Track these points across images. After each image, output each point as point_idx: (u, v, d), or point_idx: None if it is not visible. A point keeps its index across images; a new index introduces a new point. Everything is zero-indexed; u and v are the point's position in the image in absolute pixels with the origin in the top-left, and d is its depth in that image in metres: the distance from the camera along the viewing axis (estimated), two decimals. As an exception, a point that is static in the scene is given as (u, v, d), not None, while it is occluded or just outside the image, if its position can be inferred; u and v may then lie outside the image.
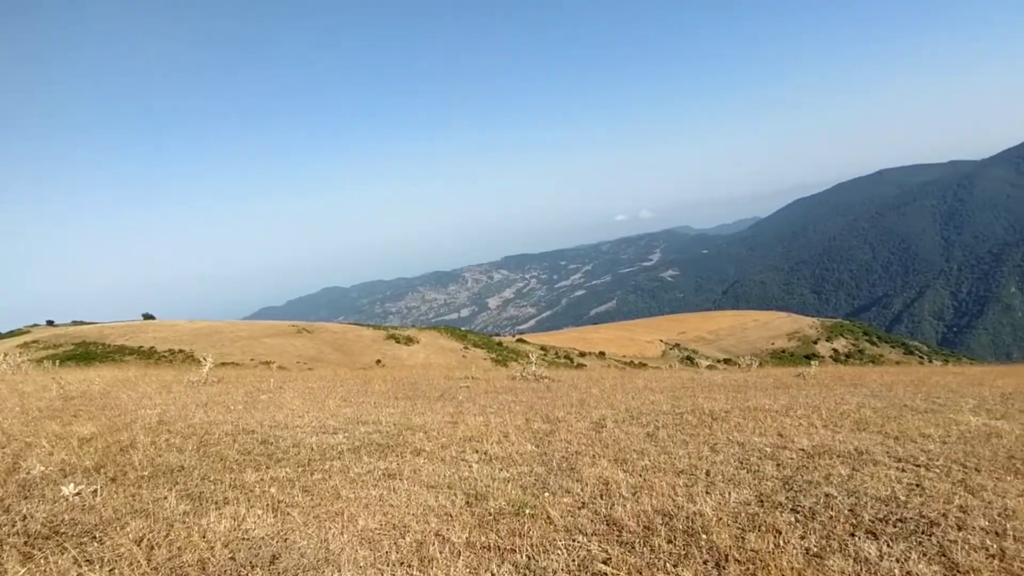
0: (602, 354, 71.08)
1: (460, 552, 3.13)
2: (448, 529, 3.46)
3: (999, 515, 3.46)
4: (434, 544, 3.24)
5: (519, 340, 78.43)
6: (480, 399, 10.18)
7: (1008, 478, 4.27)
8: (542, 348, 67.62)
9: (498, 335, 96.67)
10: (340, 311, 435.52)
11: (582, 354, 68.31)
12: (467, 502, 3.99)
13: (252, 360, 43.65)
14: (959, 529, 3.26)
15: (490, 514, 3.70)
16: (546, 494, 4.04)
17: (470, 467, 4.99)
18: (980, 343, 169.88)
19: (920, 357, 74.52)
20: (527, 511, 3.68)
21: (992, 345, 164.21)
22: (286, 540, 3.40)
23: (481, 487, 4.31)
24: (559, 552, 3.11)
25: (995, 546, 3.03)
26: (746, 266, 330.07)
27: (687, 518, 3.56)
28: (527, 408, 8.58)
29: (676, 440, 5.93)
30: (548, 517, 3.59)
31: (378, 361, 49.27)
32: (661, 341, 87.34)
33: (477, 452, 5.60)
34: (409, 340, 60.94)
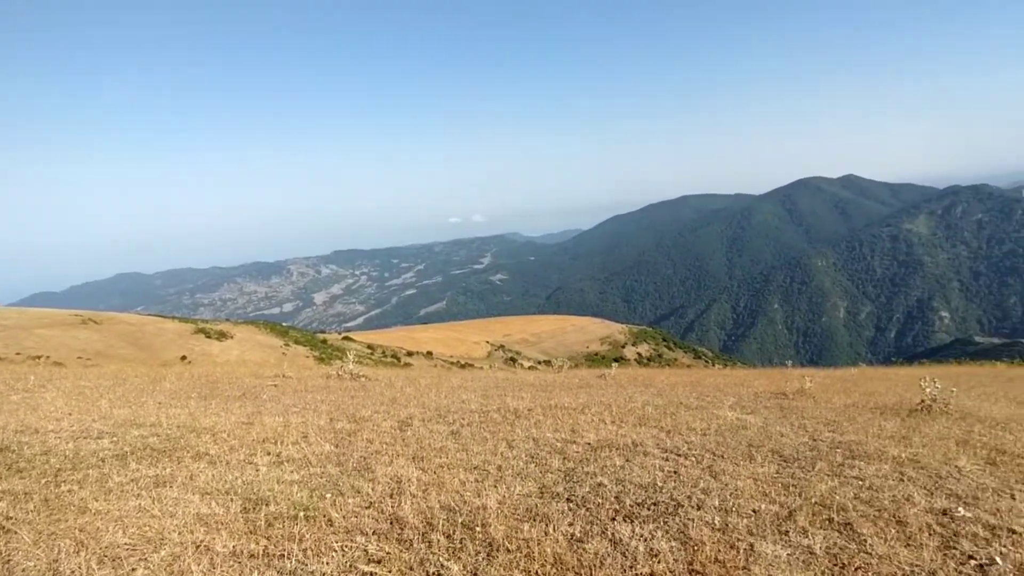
0: (429, 354, 71.05)
1: (221, 563, 2.89)
2: (214, 539, 3.18)
3: (730, 495, 4.06)
4: (192, 556, 2.95)
5: (345, 338, 75.48)
6: (286, 398, 9.62)
7: (744, 463, 5.03)
8: (369, 347, 65.81)
9: (323, 332, 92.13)
10: (139, 300, 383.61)
11: (409, 353, 67.65)
12: (244, 508, 3.70)
13: (18, 355, 36.57)
14: (698, 508, 3.76)
15: (267, 519, 3.47)
16: (328, 496, 3.90)
17: (257, 471, 4.66)
18: (751, 350, 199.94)
19: (706, 361, 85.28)
20: (307, 514, 3.52)
21: (759, 352, 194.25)
22: (6, 563, 2.87)
23: (264, 491, 4.04)
24: (333, 554, 3.01)
25: (721, 521, 3.55)
26: (568, 274, 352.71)
27: (470, 512, 3.66)
28: (334, 408, 8.27)
29: (477, 437, 6.10)
30: (329, 519, 3.47)
31: (183, 358, 44.16)
32: (487, 342, 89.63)
33: (269, 454, 5.25)
34: (222, 335, 55.55)
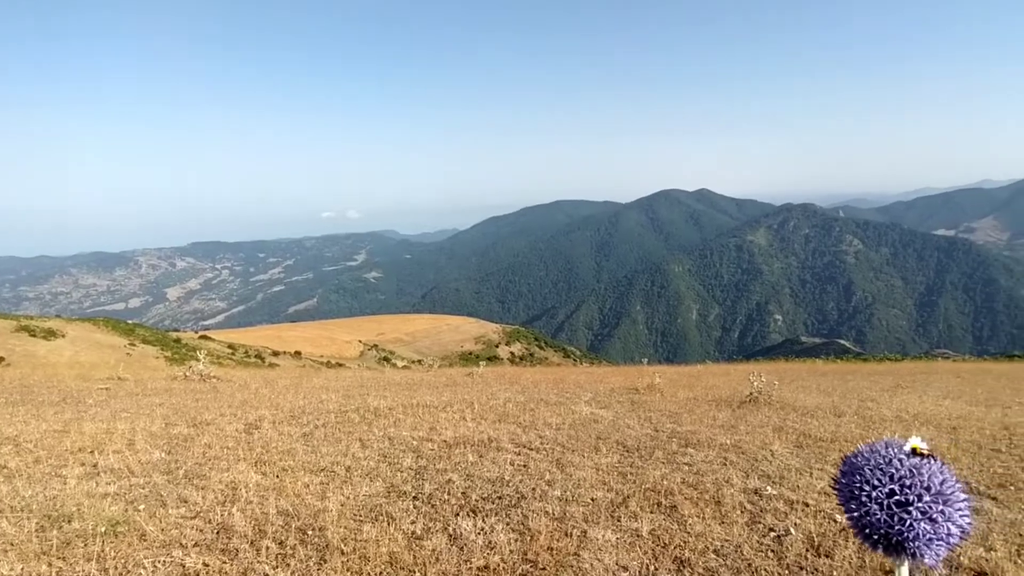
0: (298, 354, 67.45)
1: (-4, 591, 2.51)
2: (-6, 564, 2.75)
3: (572, 485, 4.24)
4: (-39, 586, 2.53)
5: (203, 337, 69.37)
6: (117, 403, 8.66)
7: (590, 454, 5.29)
8: (230, 346, 61.05)
9: (177, 331, 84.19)
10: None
11: (275, 353, 63.71)
12: (40, 526, 3.25)
13: None
14: (540, 500, 3.89)
15: (64, 538, 3.07)
16: (144, 507, 3.54)
17: (65, 484, 4.12)
18: (615, 349, 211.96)
19: (574, 360, 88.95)
20: (117, 530, 3.16)
21: (623, 350, 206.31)
22: None
23: (70, 507, 3.57)
24: (142, 572, 2.72)
25: (560, 510, 3.69)
26: (444, 273, 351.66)
27: (311, 516, 3.50)
28: (173, 411, 7.57)
29: (331, 438, 5.87)
30: (143, 534, 3.14)
31: (0, 359, 38.10)
32: (360, 341, 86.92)
33: (84, 465, 4.67)
34: (50, 333, 48.63)
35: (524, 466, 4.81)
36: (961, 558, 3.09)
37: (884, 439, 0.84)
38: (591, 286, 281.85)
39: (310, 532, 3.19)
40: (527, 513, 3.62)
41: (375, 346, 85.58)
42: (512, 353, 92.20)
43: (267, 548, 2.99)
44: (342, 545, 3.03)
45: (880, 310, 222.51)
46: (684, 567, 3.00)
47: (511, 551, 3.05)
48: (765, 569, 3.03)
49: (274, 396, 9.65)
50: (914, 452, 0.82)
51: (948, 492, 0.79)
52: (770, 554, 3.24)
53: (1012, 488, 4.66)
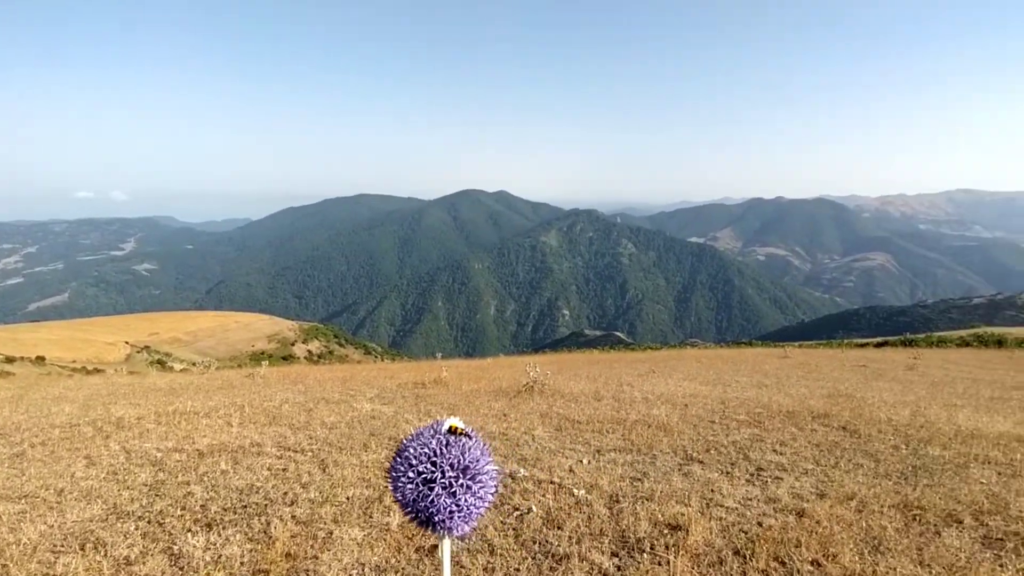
0: (41, 359, 56.22)
1: None
2: None
3: (330, 486, 4.12)
4: None
5: None
6: None
7: (359, 452, 5.19)
8: (-64, 352, 48.59)
9: None
10: None
11: (10, 359, 52.24)
12: None
13: None
14: (291, 504, 3.71)
15: None
16: None
17: None
18: (417, 344, 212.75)
19: (375, 356, 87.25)
20: None
21: (424, 346, 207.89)
22: None
23: None
24: None
25: (309, 513, 3.57)
26: (233, 266, 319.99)
27: (-9, 554, 2.91)
28: None
29: (48, 458, 4.98)
30: None
31: None
32: (127, 343, 75.43)
33: None
34: None
35: (283, 470, 4.56)
36: (658, 515, 3.64)
37: (431, 421, 0.94)
38: (394, 282, 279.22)
39: (-19, 574, 2.65)
40: (271, 520, 3.42)
41: (147, 348, 75.15)
42: (309, 351, 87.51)
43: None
44: (25, 584, 2.57)
45: (648, 306, 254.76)
46: (425, 556, 3.09)
47: (242, 563, 2.86)
48: (502, 547, 3.25)
49: (-18, 412, 7.93)
50: (452, 431, 0.92)
51: (474, 467, 0.90)
52: (510, 532, 3.48)
53: (715, 452, 5.62)
